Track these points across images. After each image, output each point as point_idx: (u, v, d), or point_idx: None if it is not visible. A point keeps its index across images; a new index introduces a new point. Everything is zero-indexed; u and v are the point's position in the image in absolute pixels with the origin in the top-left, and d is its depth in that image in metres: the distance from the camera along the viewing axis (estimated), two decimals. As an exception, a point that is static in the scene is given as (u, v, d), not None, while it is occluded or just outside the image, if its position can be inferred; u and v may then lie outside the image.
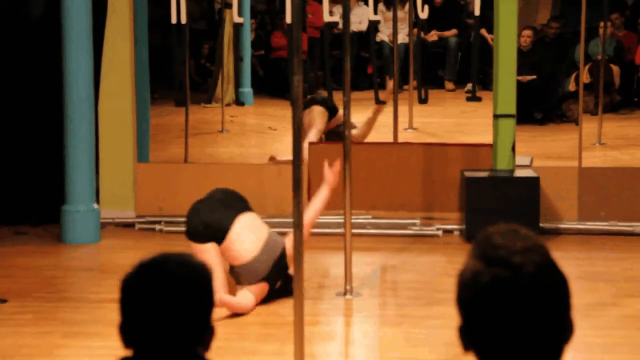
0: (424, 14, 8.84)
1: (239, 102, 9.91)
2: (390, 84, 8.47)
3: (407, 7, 9.19)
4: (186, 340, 2.06)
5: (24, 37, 8.07)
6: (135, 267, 2.10)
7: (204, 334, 2.09)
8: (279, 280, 5.98)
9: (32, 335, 5.52)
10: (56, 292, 6.39)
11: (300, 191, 4.69)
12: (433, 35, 9.82)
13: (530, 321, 1.80)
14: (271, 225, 7.89)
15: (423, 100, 9.43)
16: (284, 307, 5.77)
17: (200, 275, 2.09)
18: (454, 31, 9.98)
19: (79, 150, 7.60)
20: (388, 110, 8.75)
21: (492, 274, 1.81)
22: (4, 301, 6.10)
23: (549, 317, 1.81)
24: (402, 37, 9.46)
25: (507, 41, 7.78)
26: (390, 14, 9.33)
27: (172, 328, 2.04)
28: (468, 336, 1.85)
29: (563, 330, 1.84)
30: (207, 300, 2.09)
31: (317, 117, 8.44)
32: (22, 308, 5.99)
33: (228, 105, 9.69)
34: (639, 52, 9.47)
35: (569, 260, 6.64)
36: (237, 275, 5.95)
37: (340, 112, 8.40)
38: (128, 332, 2.06)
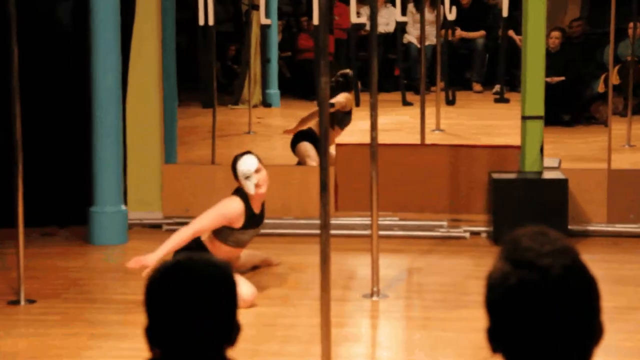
0: (451, 15, 8.81)
1: (265, 103, 9.93)
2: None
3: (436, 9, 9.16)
4: (214, 340, 2.06)
5: (53, 39, 8.11)
6: (159, 269, 2.10)
7: (231, 332, 2.09)
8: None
9: (60, 336, 5.54)
10: (83, 294, 6.42)
11: (327, 193, 4.68)
12: (457, 35, 9.78)
13: (557, 324, 1.79)
14: (297, 227, 7.92)
15: (450, 102, 9.41)
16: (310, 309, 5.76)
17: (225, 274, 2.10)
18: (481, 32, 9.95)
19: (106, 152, 7.63)
20: (415, 111, 8.73)
21: (519, 276, 1.80)
22: (32, 302, 6.13)
23: (577, 320, 1.80)
24: (432, 39, 9.44)
25: (535, 42, 7.74)
26: (419, 16, 9.31)
27: (200, 328, 2.04)
28: (496, 338, 1.84)
29: (592, 333, 1.82)
30: (232, 298, 2.09)
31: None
32: (49, 309, 6.02)
33: (255, 106, 9.71)
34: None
35: (597, 263, 6.59)
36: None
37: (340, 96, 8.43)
38: (155, 334, 2.06)
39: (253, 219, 6.14)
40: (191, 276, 2.06)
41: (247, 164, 6.10)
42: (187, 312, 2.03)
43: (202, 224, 6.00)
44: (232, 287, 2.10)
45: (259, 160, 6.17)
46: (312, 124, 8.52)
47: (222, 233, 6.11)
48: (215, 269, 2.09)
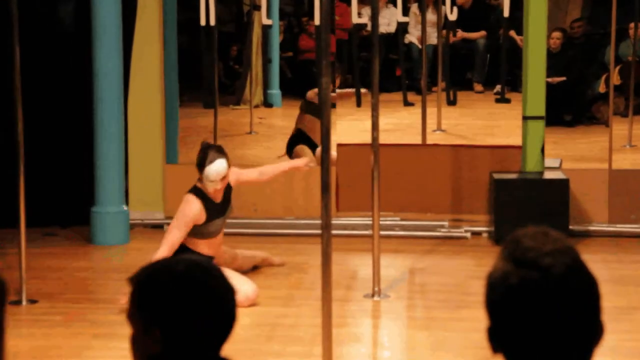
0: (453, 15, 8.81)
1: (267, 104, 9.91)
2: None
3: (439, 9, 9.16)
4: (214, 341, 2.07)
5: (54, 40, 8.11)
6: (155, 270, 2.09)
7: (230, 330, 2.09)
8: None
9: (62, 336, 5.54)
10: (85, 294, 6.43)
11: (328, 193, 4.68)
12: (458, 36, 9.79)
13: (559, 323, 1.79)
14: (298, 227, 7.92)
15: (452, 102, 9.40)
16: (312, 309, 5.76)
17: (221, 274, 2.10)
18: (482, 33, 9.95)
19: (108, 152, 7.63)
20: (417, 112, 8.73)
21: (521, 275, 1.80)
22: (34, 302, 6.13)
23: (578, 319, 1.80)
24: (433, 39, 9.44)
25: (536, 43, 7.75)
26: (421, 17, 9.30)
27: (205, 330, 2.04)
28: (497, 338, 1.85)
29: (593, 332, 1.83)
30: (231, 296, 2.09)
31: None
32: (51, 309, 6.02)
33: (256, 107, 9.69)
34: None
35: (598, 263, 6.60)
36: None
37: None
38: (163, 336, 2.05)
39: (215, 210, 6.19)
40: (190, 276, 2.06)
41: (217, 171, 6.09)
42: (189, 314, 2.03)
43: (173, 239, 6.02)
44: (229, 286, 2.11)
45: (229, 163, 6.15)
46: (299, 125, 8.53)
47: (190, 231, 6.14)
48: (210, 269, 2.10)
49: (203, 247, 6.14)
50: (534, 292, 1.79)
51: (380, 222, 6.29)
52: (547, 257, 1.81)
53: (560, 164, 8.01)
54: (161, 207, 8.20)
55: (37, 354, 5.30)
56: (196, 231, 6.15)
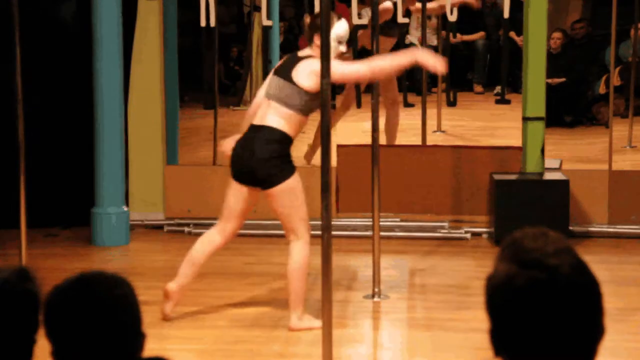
0: (453, 17, 8.82)
1: (267, 105, 9.91)
2: None
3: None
4: (126, 351, 2.15)
5: (55, 41, 8.12)
6: (59, 290, 2.19)
7: (137, 342, 2.20)
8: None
9: (62, 336, 5.54)
10: (86, 294, 6.42)
11: (328, 194, 4.68)
12: (458, 38, 9.80)
13: (565, 321, 1.79)
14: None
15: (452, 103, 9.40)
16: (312, 310, 5.77)
17: (128, 290, 2.15)
18: (481, 34, 9.95)
19: (108, 153, 7.64)
20: (417, 112, 8.74)
21: (528, 276, 1.80)
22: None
23: (584, 317, 1.81)
24: (433, 40, 9.44)
25: (536, 44, 7.76)
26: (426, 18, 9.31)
27: (114, 343, 2.12)
28: (500, 340, 1.84)
29: (598, 331, 1.83)
30: (134, 310, 2.20)
31: None
32: (52, 310, 6.02)
33: (257, 108, 9.69)
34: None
35: (599, 264, 6.58)
36: None
37: None
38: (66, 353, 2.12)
39: None
40: (92, 295, 2.13)
41: (345, 28, 5.72)
42: (91, 331, 2.09)
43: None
44: (136, 301, 2.17)
45: None
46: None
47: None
48: (113, 283, 2.16)
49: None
50: (541, 292, 1.79)
51: (381, 223, 6.30)
52: (552, 257, 1.81)
53: (561, 164, 8.01)
54: (162, 208, 8.20)
55: (38, 355, 5.30)
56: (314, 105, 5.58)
